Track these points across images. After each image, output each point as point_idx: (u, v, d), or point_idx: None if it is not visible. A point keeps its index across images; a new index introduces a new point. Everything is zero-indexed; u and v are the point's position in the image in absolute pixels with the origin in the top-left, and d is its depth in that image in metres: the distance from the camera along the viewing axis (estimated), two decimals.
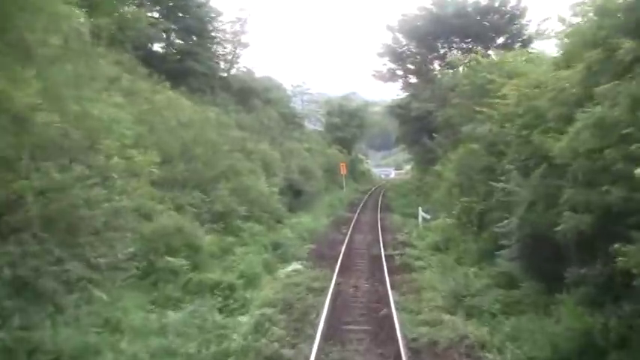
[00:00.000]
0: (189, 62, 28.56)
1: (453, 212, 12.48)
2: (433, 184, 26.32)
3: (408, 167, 73.82)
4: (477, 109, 12.32)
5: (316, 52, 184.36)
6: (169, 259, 10.25)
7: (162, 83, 18.72)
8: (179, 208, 13.34)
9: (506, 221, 9.50)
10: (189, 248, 11.09)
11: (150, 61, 26.20)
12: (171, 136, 14.77)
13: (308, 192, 25.95)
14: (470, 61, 15.83)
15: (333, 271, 12.40)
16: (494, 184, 10.05)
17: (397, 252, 15.37)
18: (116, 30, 23.08)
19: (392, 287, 10.79)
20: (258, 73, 40.74)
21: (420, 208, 22.45)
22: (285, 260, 14.18)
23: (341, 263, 13.41)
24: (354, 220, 23.44)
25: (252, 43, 71.81)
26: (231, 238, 13.69)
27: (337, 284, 11.33)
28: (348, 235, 18.84)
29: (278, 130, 34.22)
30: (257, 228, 15.79)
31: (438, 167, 23.72)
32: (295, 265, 13.34)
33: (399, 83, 34.31)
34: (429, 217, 21.36)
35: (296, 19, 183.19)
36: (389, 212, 27.91)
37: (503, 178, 10.74)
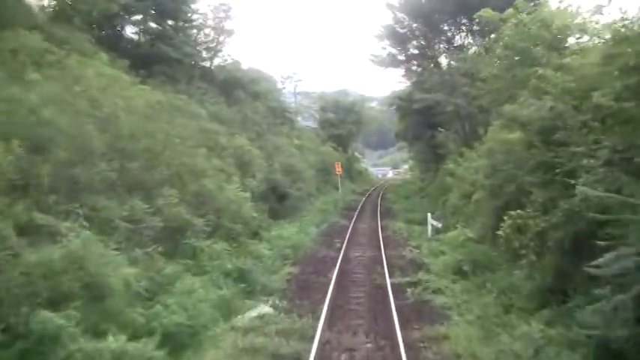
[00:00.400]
0: (161, 47, 25.44)
1: (501, 230, 8.33)
2: (442, 186, 22.53)
3: (405, 166, 70.33)
4: (539, 73, 8.18)
5: (309, 48, 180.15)
6: (47, 314, 6.33)
7: (98, 58, 14.72)
8: (105, 224, 9.49)
9: (609, 255, 5.49)
10: (91, 291, 7.17)
11: (117, 44, 22.97)
12: (98, 124, 10.88)
13: (294, 196, 21.89)
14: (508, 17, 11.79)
15: (318, 317, 8.39)
16: (584, 189, 6.00)
17: (407, 279, 11.39)
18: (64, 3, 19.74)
19: (409, 355, 6.80)
20: (246, 65, 37.70)
21: (429, 215, 18.53)
22: (253, 295, 10.17)
23: (330, 301, 9.44)
24: (349, 230, 19.41)
25: (239, 33, 68.78)
26: (174, 266, 9.67)
27: (322, 345, 7.35)
28: (343, 251, 14.86)
29: (265, 125, 30.62)
30: (220, 247, 11.75)
31: (450, 165, 19.95)
32: (264, 307, 9.29)
33: (401, 69, 30.37)
34: (440, 225, 17.55)
35: (288, 14, 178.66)
36: (390, 218, 23.94)
37: (580, 180, 6.80)
